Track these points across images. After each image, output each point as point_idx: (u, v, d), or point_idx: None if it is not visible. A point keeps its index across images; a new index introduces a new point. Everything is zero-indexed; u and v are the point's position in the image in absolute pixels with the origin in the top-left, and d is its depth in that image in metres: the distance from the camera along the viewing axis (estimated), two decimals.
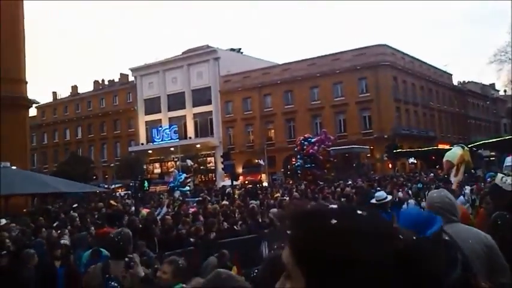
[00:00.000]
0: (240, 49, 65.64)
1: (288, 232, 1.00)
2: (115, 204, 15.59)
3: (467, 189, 12.54)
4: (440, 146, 43.75)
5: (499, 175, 6.26)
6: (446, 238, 3.09)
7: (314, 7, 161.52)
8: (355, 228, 0.96)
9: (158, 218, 12.65)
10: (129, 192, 33.63)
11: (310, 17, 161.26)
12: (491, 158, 40.85)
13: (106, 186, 49.19)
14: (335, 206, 1.05)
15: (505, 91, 69.20)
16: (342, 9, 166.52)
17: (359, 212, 1.01)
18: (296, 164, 33.94)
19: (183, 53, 64.07)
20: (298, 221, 1.01)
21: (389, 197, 10.12)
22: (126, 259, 4.50)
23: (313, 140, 32.59)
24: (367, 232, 0.95)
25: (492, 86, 75.31)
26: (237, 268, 8.84)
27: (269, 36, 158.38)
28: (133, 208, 16.55)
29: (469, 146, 21.82)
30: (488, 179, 17.75)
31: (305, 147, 32.26)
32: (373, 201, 8.96)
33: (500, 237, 3.50)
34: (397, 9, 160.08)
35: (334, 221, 0.97)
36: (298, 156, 33.42)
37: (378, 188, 18.95)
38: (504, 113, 76.20)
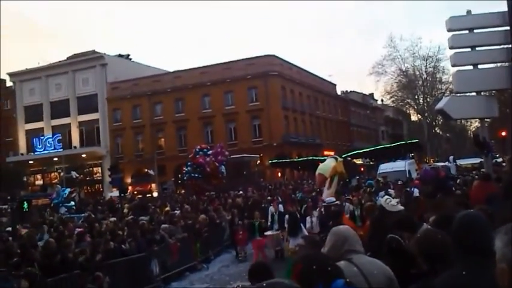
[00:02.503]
0: (128, 55, 63.94)
1: None
2: None
3: (347, 205, 13.25)
4: (326, 153, 45.82)
5: (385, 197, 6.64)
6: (355, 269, 3.21)
7: (204, 15, 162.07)
8: None
9: (40, 243, 11.80)
10: (6, 206, 31.28)
11: (201, 26, 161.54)
12: (371, 163, 43.23)
13: None
14: None
15: (382, 101, 74.51)
16: (232, 19, 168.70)
17: None
18: (184, 171, 33.60)
19: (68, 58, 60.99)
20: None
21: (338, 201, 11.76)
22: None
23: (208, 152, 32.43)
24: None
25: (371, 95, 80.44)
26: None
27: (159, 44, 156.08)
28: (9, 228, 15.37)
29: (344, 156, 22.90)
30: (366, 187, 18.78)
31: (197, 156, 31.99)
32: (324, 203, 11.00)
33: (399, 256, 3.70)
34: (283, 20, 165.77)
35: None
36: (188, 164, 33.14)
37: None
38: (382, 121, 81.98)
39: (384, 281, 3.34)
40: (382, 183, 19.58)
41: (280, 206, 17.14)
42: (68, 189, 26.94)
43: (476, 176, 13.64)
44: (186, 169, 33.14)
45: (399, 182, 17.92)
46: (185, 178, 33.28)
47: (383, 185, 18.57)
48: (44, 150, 55.22)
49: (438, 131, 70.06)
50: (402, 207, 6.08)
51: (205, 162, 31.01)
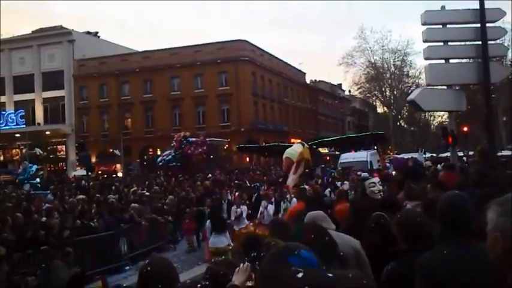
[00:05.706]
0: (97, 33, 62.51)
1: None
2: None
3: (327, 191, 13.50)
4: (293, 140, 46.10)
5: (368, 181, 6.83)
6: (327, 238, 3.44)
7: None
8: None
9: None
10: None
11: (172, 7, 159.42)
12: (336, 152, 43.68)
13: None
14: None
15: (349, 91, 75.33)
16: (206, 3, 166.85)
17: None
18: (166, 158, 33.46)
19: (34, 32, 59.20)
20: None
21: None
22: None
23: (191, 140, 32.42)
24: None
25: (339, 86, 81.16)
26: (102, 283, 8.52)
27: (128, 23, 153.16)
28: None
29: (309, 144, 23.05)
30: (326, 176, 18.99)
31: (183, 146, 31.95)
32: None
33: (385, 232, 3.84)
34: (257, 8, 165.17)
35: None
36: (173, 153, 33.04)
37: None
38: (349, 111, 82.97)
39: (347, 251, 3.62)
40: (342, 173, 19.33)
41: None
42: (36, 166, 26.42)
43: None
44: (168, 157, 32.96)
45: (358, 173, 17.48)
46: (160, 163, 33.09)
47: (342, 175, 18.20)
48: (5, 125, 53.62)
49: (403, 124, 71.44)
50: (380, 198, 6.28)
51: (192, 153, 31.11)
